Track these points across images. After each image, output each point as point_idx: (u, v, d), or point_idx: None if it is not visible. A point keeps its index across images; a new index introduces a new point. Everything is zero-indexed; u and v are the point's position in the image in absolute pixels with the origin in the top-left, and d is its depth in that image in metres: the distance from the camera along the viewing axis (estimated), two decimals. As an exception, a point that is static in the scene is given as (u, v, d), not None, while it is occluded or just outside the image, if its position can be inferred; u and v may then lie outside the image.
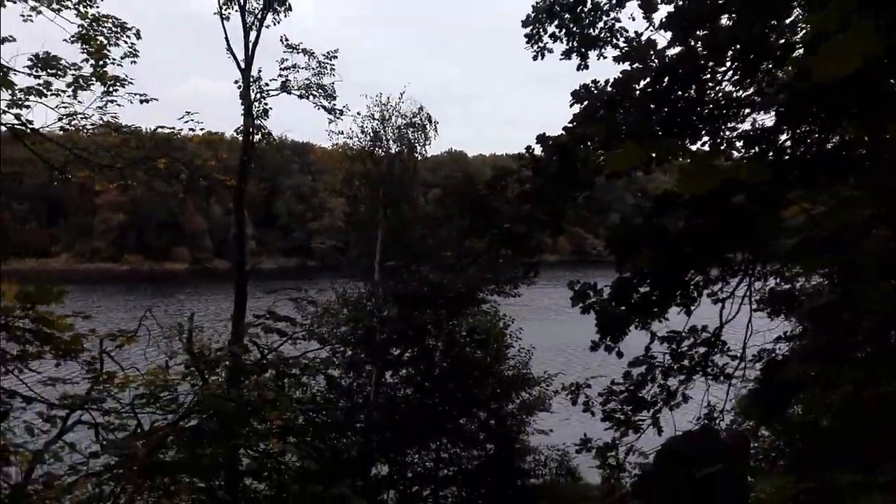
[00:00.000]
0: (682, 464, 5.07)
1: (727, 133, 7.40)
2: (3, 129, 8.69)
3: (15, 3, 9.00)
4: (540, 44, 9.19)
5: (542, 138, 7.70)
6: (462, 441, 17.99)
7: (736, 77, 6.90)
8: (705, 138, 7.31)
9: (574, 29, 8.98)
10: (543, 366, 19.93)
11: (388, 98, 20.62)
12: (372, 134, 20.47)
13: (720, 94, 7.18)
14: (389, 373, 18.62)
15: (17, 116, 8.58)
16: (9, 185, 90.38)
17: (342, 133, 20.99)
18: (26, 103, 8.66)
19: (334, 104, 18.11)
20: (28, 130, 8.71)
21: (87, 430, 6.08)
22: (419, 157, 21.69)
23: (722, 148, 7.24)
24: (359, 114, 20.15)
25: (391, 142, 20.68)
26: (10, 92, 8.45)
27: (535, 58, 9.32)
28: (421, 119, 20.72)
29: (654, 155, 1.59)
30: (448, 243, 19.15)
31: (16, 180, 10.20)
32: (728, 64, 6.90)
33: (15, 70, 8.72)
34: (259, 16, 16.02)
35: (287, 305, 8.49)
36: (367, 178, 20.61)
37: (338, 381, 17.76)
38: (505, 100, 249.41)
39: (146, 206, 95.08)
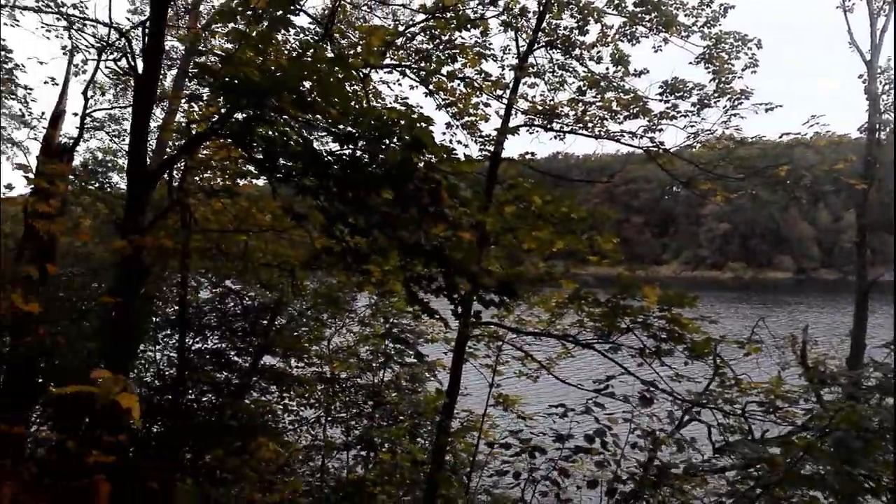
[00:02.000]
0: None
1: None
2: (640, 151, 10.09)
3: (647, 36, 10.32)
4: None
5: None
6: None
7: None
8: None
9: None
10: None
11: None
12: None
13: None
14: None
15: (651, 140, 9.85)
16: (627, 200, 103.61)
17: None
18: (659, 127, 9.86)
19: None
20: (661, 151, 9.85)
21: (703, 427, 6.46)
22: None
23: None
24: None
25: None
26: (646, 118, 9.77)
27: None
28: None
29: None
30: None
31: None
32: None
33: (649, 98, 9.98)
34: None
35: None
36: None
37: None
38: None
39: (749, 214, 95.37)
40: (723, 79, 9.86)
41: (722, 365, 6.86)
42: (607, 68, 10.31)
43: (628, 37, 10.40)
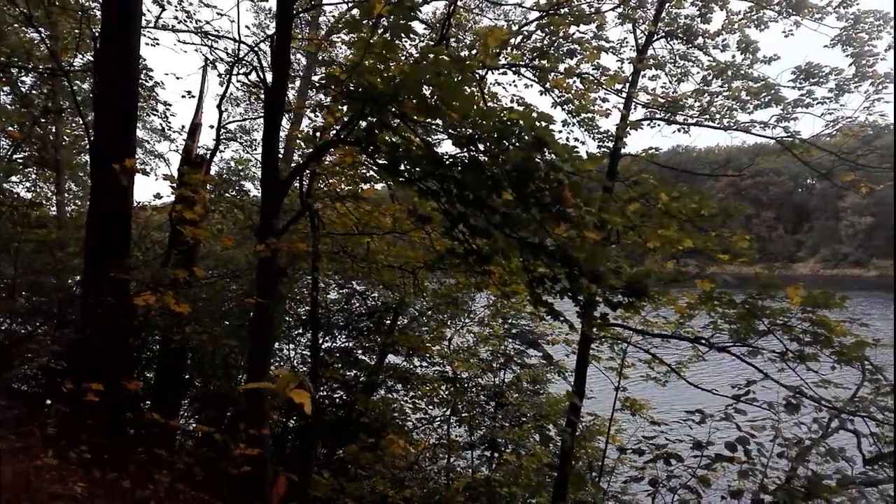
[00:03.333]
0: None
1: None
2: (771, 141, 9.46)
3: (775, 20, 9.67)
4: None
5: None
6: None
7: None
8: None
9: None
10: None
11: None
12: None
13: None
14: None
15: (785, 129, 9.21)
16: (755, 194, 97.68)
17: None
18: (793, 116, 9.21)
19: None
20: (796, 141, 9.19)
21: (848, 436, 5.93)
22: None
23: None
24: None
25: None
26: (779, 107, 9.16)
27: None
28: None
29: None
30: None
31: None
32: None
33: (781, 85, 9.35)
34: None
35: None
36: None
37: None
38: None
39: (894, 206, 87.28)
40: (863, 62, 9.10)
41: (872, 370, 6.30)
42: (733, 56, 9.79)
43: (755, 22, 9.83)
